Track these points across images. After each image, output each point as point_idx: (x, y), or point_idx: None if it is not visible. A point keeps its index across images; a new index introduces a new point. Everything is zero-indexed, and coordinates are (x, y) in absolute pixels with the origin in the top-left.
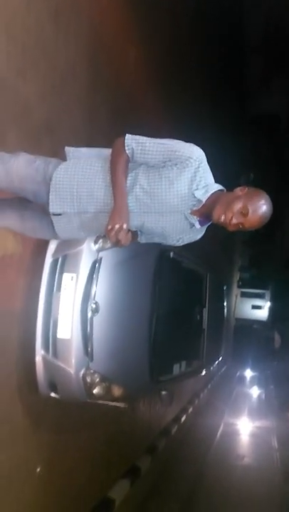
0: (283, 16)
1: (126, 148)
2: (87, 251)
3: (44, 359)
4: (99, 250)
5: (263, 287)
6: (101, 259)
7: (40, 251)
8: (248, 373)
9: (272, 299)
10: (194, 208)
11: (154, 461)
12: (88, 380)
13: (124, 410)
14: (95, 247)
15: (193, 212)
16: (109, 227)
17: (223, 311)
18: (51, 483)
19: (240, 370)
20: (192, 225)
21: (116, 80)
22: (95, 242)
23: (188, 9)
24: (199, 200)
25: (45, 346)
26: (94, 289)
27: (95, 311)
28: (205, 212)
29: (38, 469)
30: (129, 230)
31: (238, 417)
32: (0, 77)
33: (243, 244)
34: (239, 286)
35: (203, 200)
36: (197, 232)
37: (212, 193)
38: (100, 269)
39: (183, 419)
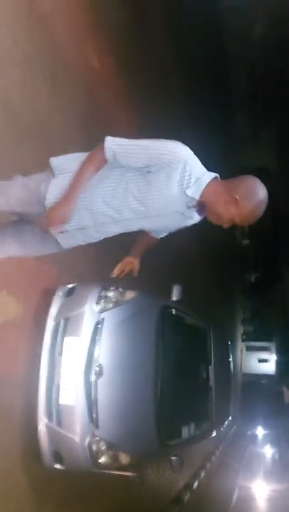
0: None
1: (106, 152)
2: (89, 313)
3: (48, 427)
4: (101, 311)
5: (267, 340)
6: (103, 319)
7: (41, 314)
8: (260, 431)
9: (278, 351)
10: (190, 204)
11: None
12: (94, 448)
13: (133, 478)
14: (96, 309)
15: (190, 207)
16: (48, 218)
17: (230, 367)
18: None
19: (251, 428)
20: (191, 218)
21: None
22: (97, 303)
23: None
24: (192, 198)
25: (49, 414)
26: (97, 351)
27: (99, 374)
28: (202, 205)
29: None
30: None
31: (253, 480)
32: None
33: (242, 295)
34: (243, 340)
35: (197, 197)
36: (199, 217)
37: (205, 187)
38: (103, 331)
39: (195, 485)
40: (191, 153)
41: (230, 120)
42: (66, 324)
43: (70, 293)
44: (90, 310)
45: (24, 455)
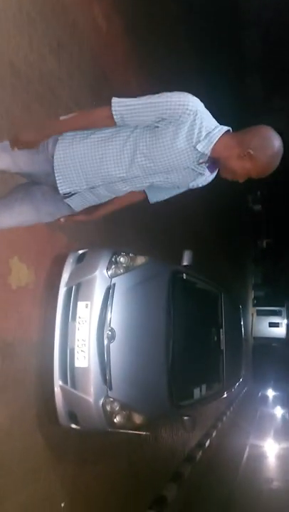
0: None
1: (114, 116)
2: (100, 278)
3: (63, 389)
4: (112, 276)
5: (278, 304)
6: (114, 285)
7: (54, 278)
8: (270, 393)
9: None
10: (201, 160)
11: (181, 489)
12: (108, 408)
13: (147, 438)
14: (107, 274)
15: (200, 162)
16: (17, 136)
17: (241, 331)
18: None
19: (261, 390)
20: (202, 174)
21: None
22: (108, 269)
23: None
24: (204, 154)
25: (63, 376)
26: (109, 315)
27: (111, 338)
28: (213, 160)
29: (63, 504)
30: None
31: (264, 439)
32: (5, 111)
33: (254, 262)
34: (254, 305)
35: (208, 152)
36: (211, 176)
37: (217, 141)
38: (114, 295)
39: (207, 443)
40: (202, 105)
41: (243, 83)
42: (78, 290)
43: (81, 259)
44: (101, 275)
45: (40, 416)
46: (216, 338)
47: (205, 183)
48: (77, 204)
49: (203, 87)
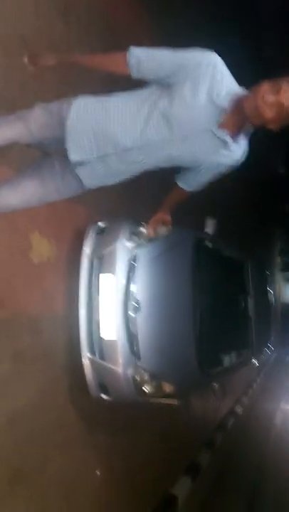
0: None
1: (130, 57)
2: (121, 249)
3: (91, 361)
4: (134, 247)
5: None
6: (137, 255)
7: (75, 252)
8: None
9: None
10: (221, 121)
11: (214, 456)
12: (137, 378)
13: (178, 407)
14: (129, 245)
15: (221, 126)
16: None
17: (269, 297)
18: (112, 484)
19: None
20: (225, 142)
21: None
22: (129, 240)
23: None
24: (223, 109)
25: (91, 349)
26: (133, 287)
27: (137, 309)
28: (236, 121)
29: (98, 472)
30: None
31: None
32: (20, 82)
33: (280, 226)
34: (282, 270)
35: (227, 106)
36: (236, 150)
37: (236, 97)
38: (137, 266)
39: (238, 411)
40: (223, 62)
41: (258, 39)
42: (100, 262)
43: (102, 231)
44: (123, 246)
45: (71, 388)
46: (243, 306)
47: (233, 160)
48: (86, 176)
49: (219, 48)
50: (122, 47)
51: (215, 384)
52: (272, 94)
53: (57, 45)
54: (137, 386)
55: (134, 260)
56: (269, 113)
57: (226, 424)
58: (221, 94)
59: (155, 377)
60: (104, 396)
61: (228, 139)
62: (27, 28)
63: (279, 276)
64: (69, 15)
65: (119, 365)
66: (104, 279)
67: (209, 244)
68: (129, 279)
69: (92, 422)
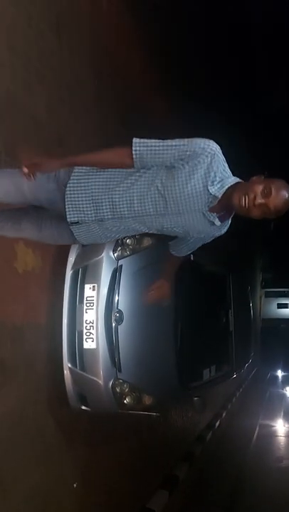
0: None
1: (134, 154)
2: (107, 260)
3: (72, 372)
4: (118, 258)
5: (287, 286)
6: (121, 267)
7: (60, 263)
8: (280, 374)
9: None
10: (212, 205)
11: (192, 469)
12: (118, 390)
13: (157, 419)
14: (114, 256)
15: (211, 210)
16: (29, 157)
17: (249, 312)
18: (89, 497)
19: (271, 371)
20: (212, 223)
21: (123, 86)
22: (114, 251)
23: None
24: (215, 196)
25: (72, 359)
26: (116, 297)
27: (119, 320)
28: (225, 207)
29: (75, 485)
30: None
31: (274, 419)
32: (5, 91)
33: (263, 244)
34: (263, 287)
35: (219, 196)
36: (220, 228)
37: (229, 187)
38: (121, 277)
39: (217, 424)
40: (221, 152)
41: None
42: (85, 272)
43: None
44: (108, 257)
45: (51, 399)
46: (224, 320)
47: (216, 235)
48: (81, 234)
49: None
50: (113, 59)
51: (195, 397)
52: (262, 197)
53: (47, 54)
54: (117, 398)
55: (119, 271)
56: (256, 213)
57: (205, 437)
58: (215, 183)
59: (135, 389)
60: (84, 407)
61: (217, 221)
62: (19, 39)
63: (260, 292)
64: (60, 26)
65: (100, 376)
66: (88, 289)
67: (193, 258)
68: (113, 290)
69: (71, 433)
